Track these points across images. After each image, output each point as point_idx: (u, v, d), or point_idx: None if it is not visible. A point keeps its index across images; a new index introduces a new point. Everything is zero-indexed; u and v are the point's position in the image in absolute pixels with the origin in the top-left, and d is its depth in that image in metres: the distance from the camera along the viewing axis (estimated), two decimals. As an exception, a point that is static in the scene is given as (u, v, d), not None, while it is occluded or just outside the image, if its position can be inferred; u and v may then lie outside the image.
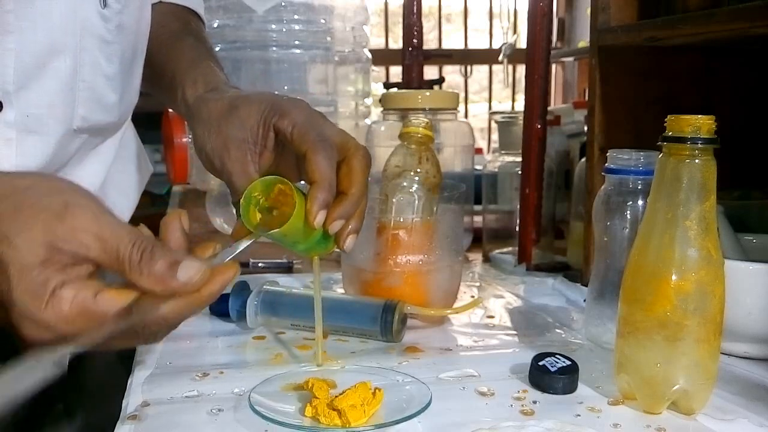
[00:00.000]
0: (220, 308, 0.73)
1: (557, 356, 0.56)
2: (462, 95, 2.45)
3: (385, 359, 0.60)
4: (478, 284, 0.85)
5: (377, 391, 0.50)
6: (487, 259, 0.96)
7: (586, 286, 0.78)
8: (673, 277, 0.48)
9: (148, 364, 0.59)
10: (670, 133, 0.49)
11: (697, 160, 0.48)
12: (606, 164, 0.62)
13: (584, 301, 0.77)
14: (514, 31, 2.19)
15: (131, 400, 0.52)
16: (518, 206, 0.91)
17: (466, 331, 0.68)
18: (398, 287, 0.67)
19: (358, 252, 0.71)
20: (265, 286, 0.68)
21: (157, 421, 0.49)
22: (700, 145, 0.47)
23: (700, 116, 0.47)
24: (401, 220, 0.69)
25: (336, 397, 0.48)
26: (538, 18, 0.81)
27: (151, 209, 2.28)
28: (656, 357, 0.49)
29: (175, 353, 0.61)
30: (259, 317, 0.67)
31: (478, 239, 1.00)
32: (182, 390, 0.53)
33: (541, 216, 0.90)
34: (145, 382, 0.55)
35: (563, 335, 0.68)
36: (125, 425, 0.49)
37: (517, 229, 0.93)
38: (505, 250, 0.96)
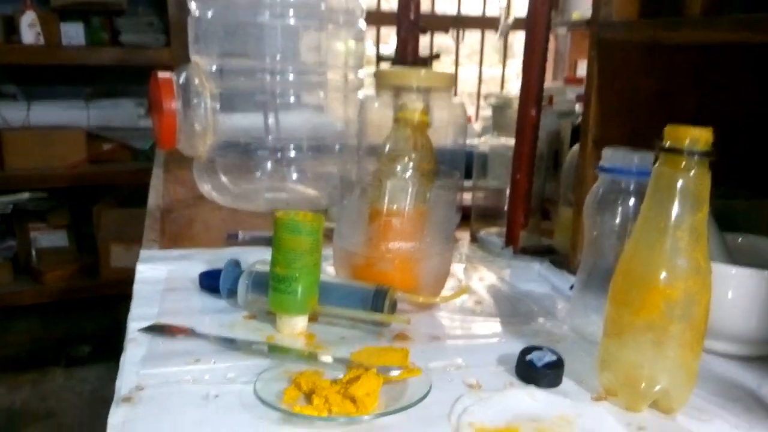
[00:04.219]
0: (210, 284, 0.73)
1: (544, 350, 0.58)
2: (453, 59, 2.43)
3: (373, 345, 0.61)
4: (464, 266, 0.86)
5: (378, 376, 0.50)
6: (474, 239, 0.97)
7: (573, 273, 0.80)
8: (662, 285, 0.49)
9: (140, 342, 0.60)
10: (667, 144, 0.49)
11: (692, 173, 0.48)
12: (600, 162, 0.62)
13: (570, 288, 0.78)
14: (507, 15, 2.17)
15: (124, 383, 0.53)
16: (508, 187, 0.92)
17: (453, 317, 0.69)
18: (389, 272, 0.68)
19: (350, 235, 0.71)
20: (256, 266, 0.69)
21: (151, 405, 0.49)
22: (696, 159, 0.48)
23: (698, 129, 0.48)
24: (394, 206, 0.69)
25: (347, 385, 0.49)
26: (539, 3, 0.80)
27: (133, 164, 2.26)
28: (641, 359, 0.51)
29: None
30: (249, 296, 0.68)
31: (467, 217, 1.01)
32: (176, 373, 0.54)
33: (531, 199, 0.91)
34: (137, 364, 0.56)
35: (548, 325, 0.69)
36: (120, 408, 0.49)
37: (506, 209, 0.94)
38: (492, 230, 0.97)
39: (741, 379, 0.59)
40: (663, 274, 0.49)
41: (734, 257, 0.67)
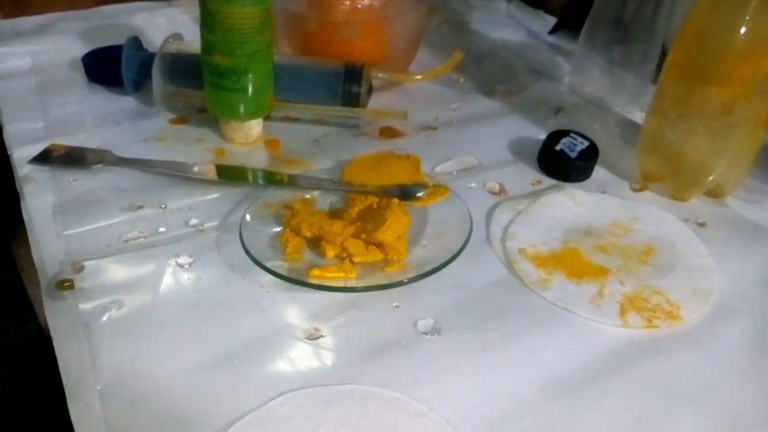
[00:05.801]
0: (105, 74, 0.54)
1: (571, 135, 0.48)
2: None
3: (360, 150, 0.47)
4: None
5: (402, 207, 0.39)
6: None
7: (551, 13, 0.67)
8: (753, 54, 0.38)
9: (39, 181, 0.43)
10: None
11: None
12: None
13: (549, 32, 0.66)
14: None
15: (45, 254, 0.36)
16: None
17: (437, 94, 0.56)
18: (354, 41, 0.52)
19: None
20: (170, 46, 0.50)
21: (102, 294, 0.34)
22: None
23: None
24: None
25: (366, 224, 0.37)
26: None
27: None
28: (707, 146, 0.42)
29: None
30: (169, 89, 0.50)
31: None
32: (116, 230, 0.39)
33: None
34: (51, 219, 0.39)
35: (545, 87, 0.58)
36: (56, 302, 0.33)
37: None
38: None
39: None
40: (757, 40, 0.38)
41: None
